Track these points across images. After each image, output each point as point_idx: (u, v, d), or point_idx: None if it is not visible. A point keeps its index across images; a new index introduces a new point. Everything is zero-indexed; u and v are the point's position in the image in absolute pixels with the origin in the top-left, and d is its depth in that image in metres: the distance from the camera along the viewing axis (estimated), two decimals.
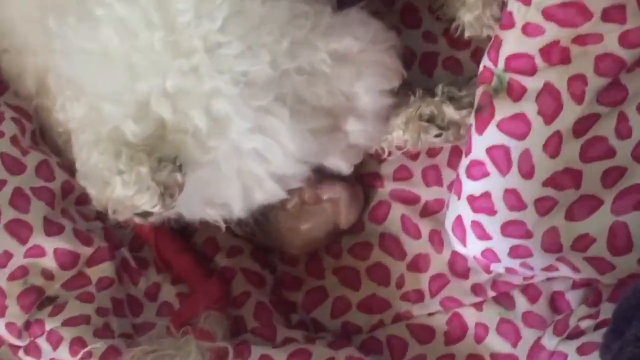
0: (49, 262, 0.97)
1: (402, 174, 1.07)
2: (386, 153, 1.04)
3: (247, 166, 0.89)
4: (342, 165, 0.99)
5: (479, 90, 0.90)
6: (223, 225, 0.97)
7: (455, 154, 1.03)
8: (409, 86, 1.02)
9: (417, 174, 1.06)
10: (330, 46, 0.89)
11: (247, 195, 0.92)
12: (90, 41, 0.88)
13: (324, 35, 0.88)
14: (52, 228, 0.98)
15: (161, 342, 0.95)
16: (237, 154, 0.88)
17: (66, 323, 0.96)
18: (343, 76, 0.91)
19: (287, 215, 1.03)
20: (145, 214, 0.87)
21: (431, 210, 1.06)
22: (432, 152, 1.06)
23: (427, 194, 1.06)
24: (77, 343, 0.95)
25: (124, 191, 0.85)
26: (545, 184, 0.86)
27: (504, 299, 1.02)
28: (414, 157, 1.06)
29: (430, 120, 0.99)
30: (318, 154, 0.93)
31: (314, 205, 1.03)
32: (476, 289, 1.03)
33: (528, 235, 0.89)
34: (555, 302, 1.00)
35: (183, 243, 1.08)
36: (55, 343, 0.95)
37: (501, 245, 0.91)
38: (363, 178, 1.08)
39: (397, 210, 1.07)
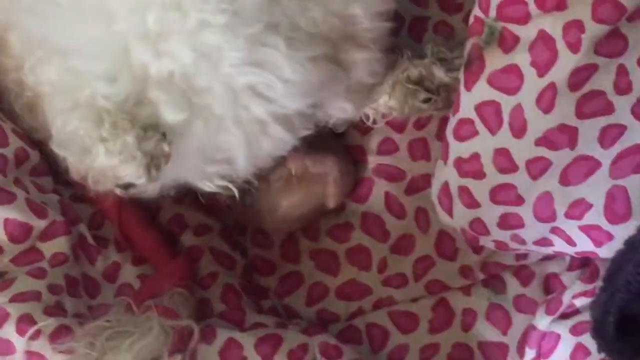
0: None
1: (387, 147, 1.05)
2: (370, 121, 1.02)
3: (245, 110, 0.87)
4: (347, 107, 0.97)
5: (469, 43, 0.89)
6: (228, 188, 0.95)
7: (445, 126, 1.01)
8: (396, 50, 1.01)
9: (403, 147, 1.05)
10: None
11: (251, 145, 0.90)
12: None
13: None
14: (3, 197, 0.96)
15: (119, 319, 0.92)
16: (232, 96, 0.86)
17: (14, 299, 0.93)
18: None
19: (267, 188, 1.00)
20: (127, 185, 0.86)
21: (417, 187, 1.04)
22: (420, 124, 1.04)
23: (414, 169, 1.05)
24: (25, 320, 0.92)
25: (107, 160, 0.83)
26: (538, 142, 0.85)
27: (494, 282, 1.00)
28: (400, 128, 1.04)
29: (419, 83, 0.97)
30: (320, 85, 0.90)
31: (299, 181, 1.00)
32: (464, 272, 1.02)
33: (519, 200, 0.87)
34: (550, 285, 0.99)
35: (148, 219, 1.06)
36: (1, 320, 0.92)
37: (490, 213, 0.89)
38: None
39: (381, 187, 1.05)
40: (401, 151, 1.05)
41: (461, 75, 0.89)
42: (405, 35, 1.07)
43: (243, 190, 1.00)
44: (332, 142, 1.05)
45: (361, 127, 1.05)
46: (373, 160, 1.05)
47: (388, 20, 0.94)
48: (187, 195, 1.06)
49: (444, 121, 1.01)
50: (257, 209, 1.03)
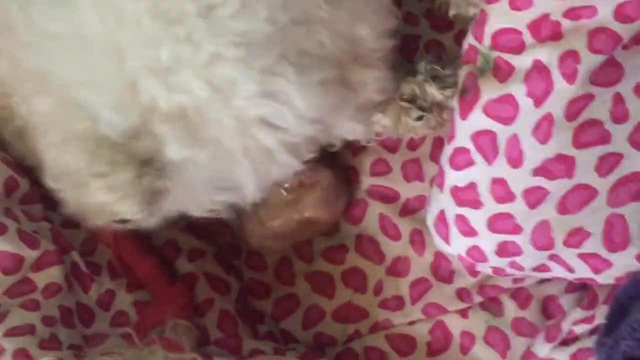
0: None
1: (380, 168, 1.06)
2: (363, 141, 1.02)
3: (254, 140, 0.86)
4: (357, 128, 0.97)
5: (463, 71, 0.88)
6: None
7: (438, 146, 1.02)
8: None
9: (396, 168, 1.05)
10: None
11: (260, 173, 0.89)
12: (62, 25, 0.86)
13: None
14: None
15: (122, 352, 0.92)
16: (241, 127, 0.85)
17: (8, 333, 0.93)
18: (342, 19, 0.88)
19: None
20: (124, 221, 0.85)
21: (412, 209, 1.05)
22: (413, 144, 1.05)
23: (408, 191, 1.05)
24: (20, 355, 0.92)
25: (104, 196, 0.82)
26: (535, 172, 0.85)
27: (491, 305, 1.01)
28: (393, 149, 1.05)
29: (412, 101, 0.98)
30: (330, 109, 0.90)
31: (289, 194, 1.01)
32: (461, 294, 1.02)
33: (517, 229, 0.87)
34: (548, 307, 0.99)
35: (145, 244, 1.06)
36: None
37: (488, 241, 0.89)
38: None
39: (375, 208, 1.06)
40: (394, 172, 1.05)
41: (456, 104, 0.89)
42: (396, 53, 1.06)
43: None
44: (329, 160, 1.04)
45: (353, 148, 1.06)
46: (366, 182, 1.06)
47: (391, 37, 0.94)
48: (180, 219, 1.06)
49: (438, 142, 1.02)
50: (245, 226, 1.03)
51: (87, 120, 0.85)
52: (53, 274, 0.98)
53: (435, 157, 1.02)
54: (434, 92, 0.98)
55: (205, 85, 0.82)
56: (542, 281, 1.00)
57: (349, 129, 0.97)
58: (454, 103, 0.90)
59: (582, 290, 0.97)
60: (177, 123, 0.83)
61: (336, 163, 1.06)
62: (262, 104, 0.84)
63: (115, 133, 0.83)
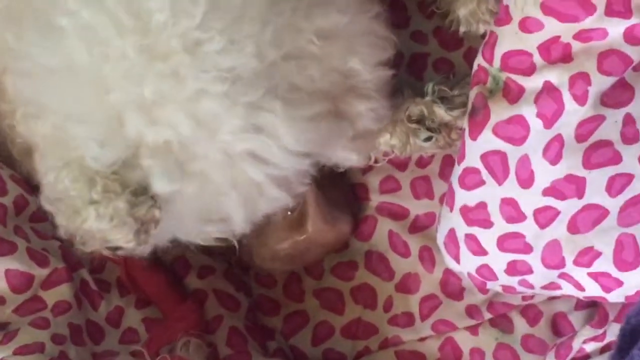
0: None
1: (389, 185, 1.06)
2: (372, 160, 1.03)
3: (242, 173, 0.86)
4: (352, 157, 0.97)
5: (473, 92, 0.89)
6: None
7: (447, 164, 1.02)
8: (396, 88, 1.01)
9: (405, 186, 1.06)
10: (315, 25, 0.87)
11: (248, 206, 0.90)
12: (52, 56, 0.86)
13: (306, 15, 0.87)
14: (3, 247, 0.96)
15: None
16: (228, 161, 0.86)
17: (18, 351, 0.93)
18: (334, 53, 0.89)
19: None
20: (116, 248, 0.86)
21: (421, 226, 1.05)
22: (422, 162, 1.05)
23: (417, 208, 1.05)
24: None
25: (97, 224, 0.83)
26: (546, 192, 0.85)
27: (501, 322, 1.01)
28: (402, 167, 1.05)
29: (420, 121, 0.98)
30: (320, 143, 0.90)
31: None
32: (471, 311, 1.02)
33: (527, 249, 0.88)
34: (558, 325, 0.99)
35: (154, 261, 1.06)
36: None
37: (498, 260, 0.90)
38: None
39: (385, 225, 1.06)
40: (404, 189, 1.06)
41: (466, 124, 0.90)
42: (404, 72, 1.06)
43: None
44: (336, 178, 1.05)
45: (362, 166, 1.06)
46: (376, 199, 1.06)
47: (388, 66, 0.94)
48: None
49: (447, 160, 1.02)
50: (254, 250, 1.04)
51: (79, 148, 0.85)
52: (62, 292, 0.99)
53: (444, 174, 1.02)
54: (442, 113, 0.99)
55: (189, 120, 0.82)
56: (552, 298, 1.00)
57: (344, 158, 0.97)
58: (464, 123, 0.90)
59: (592, 307, 0.98)
60: (163, 157, 0.84)
61: (342, 182, 1.06)
62: (248, 139, 0.84)
63: (103, 165, 0.84)
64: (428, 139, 0.99)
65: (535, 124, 0.84)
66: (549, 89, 0.84)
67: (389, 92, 0.96)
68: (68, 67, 0.84)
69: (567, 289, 0.91)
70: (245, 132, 0.83)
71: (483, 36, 0.94)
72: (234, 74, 0.82)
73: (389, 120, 0.99)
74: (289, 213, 1.01)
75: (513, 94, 0.86)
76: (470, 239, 0.90)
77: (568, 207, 0.85)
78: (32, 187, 1.01)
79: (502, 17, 0.87)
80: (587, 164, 0.84)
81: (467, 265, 0.92)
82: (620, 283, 0.87)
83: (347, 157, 0.96)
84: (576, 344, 0.92)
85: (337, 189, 1.04)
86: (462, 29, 1.01)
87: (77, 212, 0.84)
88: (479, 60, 0.89)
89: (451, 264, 0.94)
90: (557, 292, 0.93)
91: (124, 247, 0.85)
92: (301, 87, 0.86)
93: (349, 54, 0.89)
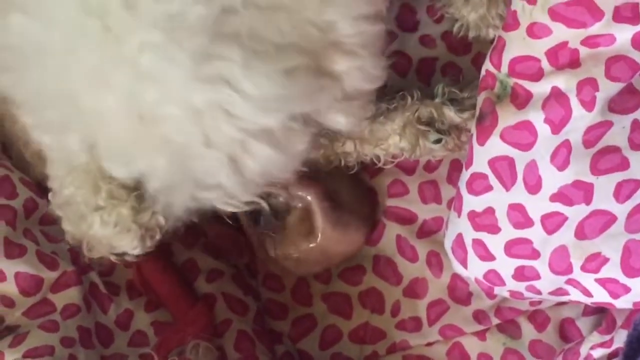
0: (9, 287, 0.96)
1: (397, 189, 1.06)
2: (382, 161, 1.02)
3: (214, 130, 0.81)
4: (340, 119, 0.90)
5: (481, 97, 0.89)
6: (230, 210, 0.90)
7: (455, 169, 1.02)
8: (405, 91, 1.01)
9: (413, 190, 1.06)
10: None
11: (235, 165, 0.84)
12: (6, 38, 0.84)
13: None
14: (13, 250, 0.97)
15: None
16: (194, 118, 0.81)
17: (27, 354, 0.94)
18: (307, 4, 0.82)
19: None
20: (122, 254, 0.87)
21: (429, 230, 1.05)
22: (430, 167, 1.05)
23: (425, 213, 1.06)
24: None
25: (102, 230, 0.84)
26: (553, 198, 0.85)
27: (509, 327, 1.01)
28: (410, 171, 1.05)
29: (430, 123, 0.98)
30: (302, 99, 0.85)
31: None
32: (479, 316, 1.02)
33: (535, 255, 0.88)
34: (565, 330, 0.99)
35: (167, 262, 1.07)
36: None
37: (505, 266, 0.90)
38: None
39: (392, 230, 1.06)
40: (411, 194, 1.06)
41: (473, 129, 0.90)
42: (413, 75, 1.07)
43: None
44: (351, 183, 1.05)
45: (371, 169, 1.06)
46: (383, 202, 1.06)
47: (376, 22, 0.88)
48: (198, 238, 1.07)
49: (454, 164, 1.02)
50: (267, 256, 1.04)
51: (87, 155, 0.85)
52: (72, 295, 1.00)
53: (452, 179, 1.02)
54: (452, 114, 0.99)
55: (134, 77, 0.78)
56: (560, 304, 1.00)
57: (331, 120, 0.91)
58: (472, 127, 0.90)
59: (600, 313, 0.98)
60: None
61: (356, 185, 1.06)
62: (204, 90, 0.79)
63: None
64: (438, 141, 0.99)
65: (543, 129, 0.84)
66: (556, 95, 0.84)
67: (380, 50, 0.90)
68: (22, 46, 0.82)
69: (574, 295, 0.91)
70: (200, 83, 0.78)
71: (492, 41, 0.94)
72: (174, 21, 0.77)
73: (382, 82, 0.92)
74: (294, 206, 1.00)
75: (521, 100, 0.85)
76: (478, 244, 0.90)
77: (575, 213, 0.85)
78: (43, 189, 1.01)
79: (509, 22, 0.87)
80: (595, 170, 0.84)
81: (474, 270, 0.92)
82: (627, 289, 0.87)
83: (334, 119, 0.90)
84: (584, 350, 0.92)
85: (350, 193, 1.04)
86: (471, 34, 1.01)
87: (83, 218, 0.85)
88: (487, 66, 0.89)
89: (459, 269, 0.94)
90: (565, 298, 0.93)
91: (129, 253, 0.85)
92: (268, 38, 0.80)
93: (324, 5, 0.83)
